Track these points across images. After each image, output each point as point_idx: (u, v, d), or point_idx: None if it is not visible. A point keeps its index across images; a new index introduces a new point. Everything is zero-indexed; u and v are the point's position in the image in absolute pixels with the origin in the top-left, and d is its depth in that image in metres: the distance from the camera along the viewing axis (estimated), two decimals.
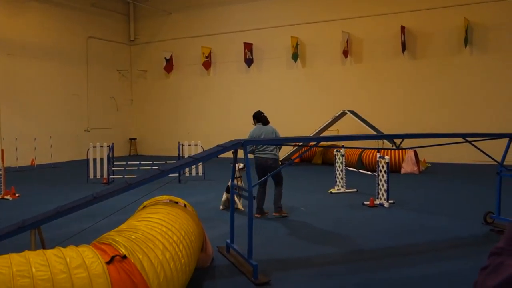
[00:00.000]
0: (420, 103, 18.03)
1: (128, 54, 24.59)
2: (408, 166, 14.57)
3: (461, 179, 13.31)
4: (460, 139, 7.19)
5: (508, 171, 7.29)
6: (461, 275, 5.17)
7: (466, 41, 16.97)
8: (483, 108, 16.99)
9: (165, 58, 23.21)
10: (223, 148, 5.56)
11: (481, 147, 7.34)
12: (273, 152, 8.25)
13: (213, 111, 22.32)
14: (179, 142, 14.61)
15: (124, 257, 3.50)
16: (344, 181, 11.15)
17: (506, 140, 7.37)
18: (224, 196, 9.18)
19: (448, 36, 17.58)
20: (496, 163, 7.53)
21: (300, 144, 8.29)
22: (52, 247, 3.61)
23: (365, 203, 9.46)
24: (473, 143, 7.27)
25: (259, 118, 8.46)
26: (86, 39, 21.81)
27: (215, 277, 5.35)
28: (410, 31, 18.13)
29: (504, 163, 7.38)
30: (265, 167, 8.22)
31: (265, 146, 8.18)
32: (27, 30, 19.11)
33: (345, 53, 19.01)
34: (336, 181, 11.33)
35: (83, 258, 3.33)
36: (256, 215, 8.25)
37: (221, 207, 9.18)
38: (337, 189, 11.20)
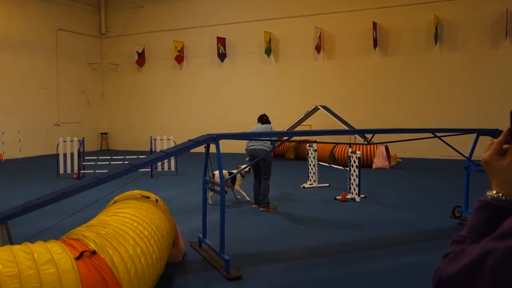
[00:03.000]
0: (392, 99, 18.28)
1: (99, 47, 24.20)
2: (379, 161, 14.78)
3: (430, 174, 13.57)
4: (430, 134, 7.32)
5: (476, 166, 7.46)
6: (428, 267, 5.27)
7: (436, 38, 17.27)
8: (452, 104, 17.33)
9: (137, 51, 22.93)
10: (195, 142, 5.53)
11: (449, 142, 7.50)
12: (265, 145, 8.57)
13: (186, 106, 22.18)
14: (151, 136, 14.49)
15: (94, 252, 3.45)
16: (316, 176, 11.24)
17: (474, 135, 7.54)
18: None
19: (419, 33, 17.85)
20: (464, 158, 7.70)
21: (273, 139, 8.39)
22: (20, 243, 3.53)
23: (337, 197, 9.55)
24: (442, 138, 7.42)
25: (260, 118, 9.04)
26: (56, 31, 21.36)
27: (187, 272, 5.33)
28: (382, 28, 18.34)
29: (472, 158, 7.55)
30: (256, 158, 8.37)
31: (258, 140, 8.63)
32: None
33: (318, 48, 19.11)
34: (308, 176, 11.41)
35: (52, 254, 3.27)
36: (254, 206, 8.89)
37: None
38: (310, 184, 11.28)
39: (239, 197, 9.48)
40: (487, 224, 1.15)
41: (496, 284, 0.98)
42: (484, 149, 1.24)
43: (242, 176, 9.30)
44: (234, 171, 9.13)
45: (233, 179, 9.11)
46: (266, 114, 9.10)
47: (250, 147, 8.66)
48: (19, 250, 3.25)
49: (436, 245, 6.21)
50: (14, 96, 19.29)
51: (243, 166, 9.24)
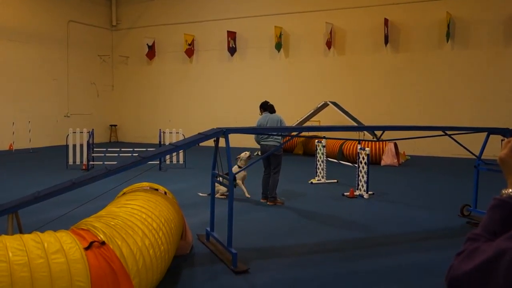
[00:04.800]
0: (402, 96, 18.18)
1: (110, 40, 24.26)
2: (388, 158, 14.71)
3: (439, 172, 13.49)
4: (440, 132, 7.28)
5: (486, 165, 7.41)
6: (435, 266, 5.26)
7: (448, 36, 17.13)
8: (463, 102, 17.21)
9: (147, 44, 22.96)
10: (204, 136, 5.54)
11: (460, 141, 7.45)
12: (277, 140, 8.52)
13: (195, 99, 22.20)
14: (160, 129, 14.52)
15: (103, 243, 3.47)
16: (324, 172, 11.22)
17: (484, 134, 7.49)
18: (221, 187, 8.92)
19: (430, 30, 17.72)
20: (474, 157, 7.65)
21: (282, 134, 8.39)
22: (30, 233, 3.56)
23: (345, 194, 9.53)
24: (452, 136, 7.37)
25: (266, 107, 8.80)
26: (67, 23, 21.43)
27: (194, 265, 5.36)
28: (394, 24, 18.22)
29: (482, 157, 7.50)
30: (268, 152, 8.38)
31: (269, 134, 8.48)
32: (6, 13, 18.69)
33: (328, 44, 19.04)
34: (316, 172, 11.39)
35: (61, 244, 3.30)
36: (262, 200, 8.84)
37: (217, 195, 8.91)
38: (318, 180, 11.26)
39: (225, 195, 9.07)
40: (502, 223, 1.15)
41: (510, 283, 0.98)
42: (501, 147, 1.23)
43: (240, 166, 8.95)
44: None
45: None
46: (268, 101, 8.91)
47: (262, 143, 8.61)
48: (29, 239, 3.28)
49: (443, 244, 6.19)
50: (24, 86, 19.40)
51: (241, 155, 9.13)
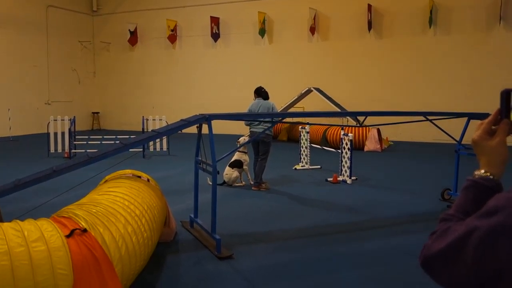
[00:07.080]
0: (385, 82, 18.26)
1: (91, 25, 23.88)
2: (371, 144, 14.82)
3: (421, 157, 13.64)
4: (421, 118, 7.35)
5: (466, 150, 7.51)
6: (416, 248, 5.31)
7: (430, 21, 17.21)
8: (445, 88, 17.35)
9: (129, 30, 22.67)
10: (187, 122, 5.51)
11: (441, 126, 7.52)
12: (266, 127, 8.42)
13: (179, 86, 22.05)
14: (143, 116, 14.40)
15: (85, 230, 3.44)
16: (308, 158, 11.26)
17: (465, 119, 7.57)
18: (234, 173, 9.01)
19: (413, 16, 17.77)
20: (455, 142, 7.75)
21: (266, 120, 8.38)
22: (10, 221, 3.52)
23: (329, 179, 9.60)
24: (434, 121, 7.45)
25: (260, 93, 8.75)
26: (46, 7, 21.02)
27: (178, 251, 5.36)
28: (377, 10, 18.23)
29: (463, 142, 7.60)
30: (257, 140, 8.49)
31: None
32: None
33: (312, 30, 18.99)
34: (300, 158, 11.43)
35: (42, 232, 3.26)
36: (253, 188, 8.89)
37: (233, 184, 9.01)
38: (302, 166, 11.31)
39: (244, 182, 9.18)
40: (474, 203, 1.18)
41: (479, 260, 1.01)
42: (475, 130, 1.25)
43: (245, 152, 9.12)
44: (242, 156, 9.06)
45: (240, 162, 8.99)
46: (263, 86, 8.88)
47: (251, 129, 8.68)
48: (8, 227, 3.24)
49: (425, 227, 6.27)
50: (3, 73, 19.05)
51: (241, 139, 9.23)
